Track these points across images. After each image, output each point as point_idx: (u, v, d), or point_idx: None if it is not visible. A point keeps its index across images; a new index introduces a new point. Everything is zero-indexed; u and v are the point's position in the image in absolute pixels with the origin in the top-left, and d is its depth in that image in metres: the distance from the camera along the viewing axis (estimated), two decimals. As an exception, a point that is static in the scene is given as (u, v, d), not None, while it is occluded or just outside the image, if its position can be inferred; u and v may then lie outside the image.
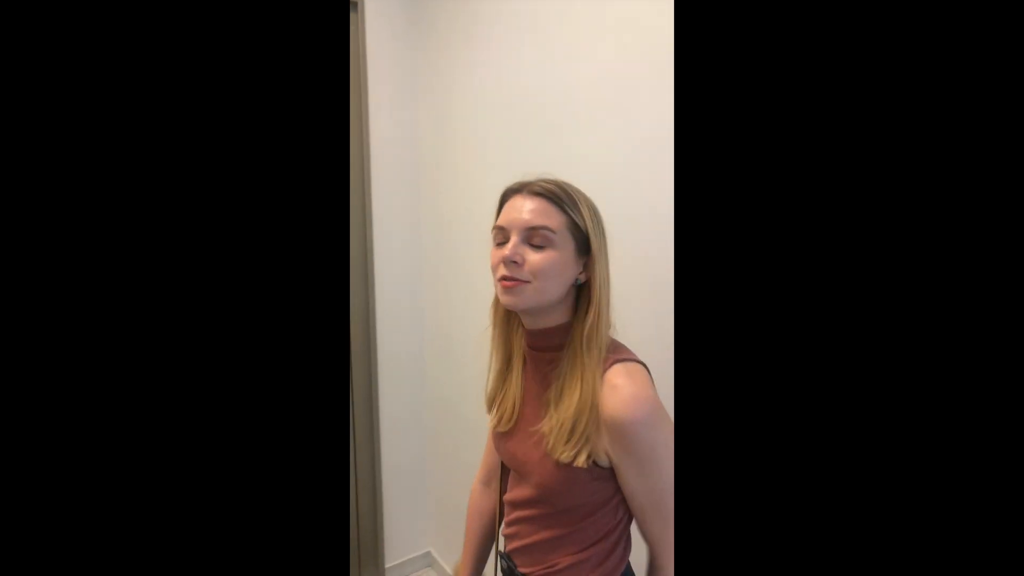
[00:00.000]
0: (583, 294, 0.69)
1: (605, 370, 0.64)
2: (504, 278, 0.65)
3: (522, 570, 0.74)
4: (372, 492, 1.68)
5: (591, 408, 0.63)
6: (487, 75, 1.31)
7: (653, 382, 0.66)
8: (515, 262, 0.65)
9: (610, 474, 0.66)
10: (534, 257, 0.64)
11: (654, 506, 0.65)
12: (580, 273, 0.68)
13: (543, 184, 0.67)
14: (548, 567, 0.71)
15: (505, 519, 0.78)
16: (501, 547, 0.80)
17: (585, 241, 0.67)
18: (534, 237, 0.65)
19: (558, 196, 0.66)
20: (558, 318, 0.69)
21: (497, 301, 0.75)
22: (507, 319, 0.76)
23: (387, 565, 1.74)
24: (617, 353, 0.66)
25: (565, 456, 0.64)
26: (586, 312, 0.67)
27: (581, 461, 0.63)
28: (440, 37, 1.47)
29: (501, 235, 0.68)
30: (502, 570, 0.79)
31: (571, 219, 0.66)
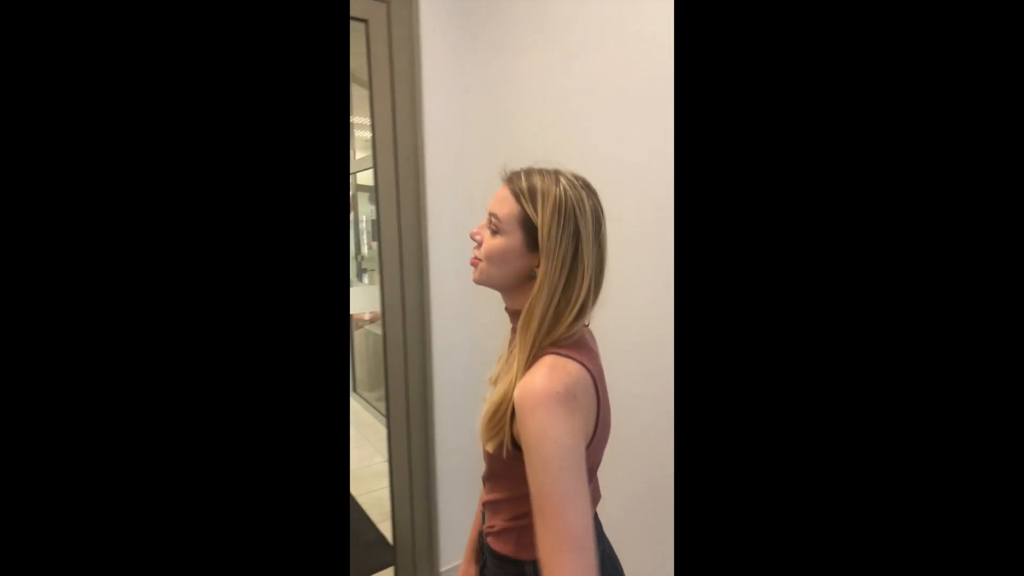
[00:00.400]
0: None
1: (537, 359, 0.66)
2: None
3: (485, 526, 0.80)
4: (426, 494, 1.71)
5: (511, 398, 0.65)
6: (543, 64, 1.36)
7: (589, 385, 0.66)
8: (474, 240, 0.74)
9: None
10: (487, 240, 0.72)
11: (538, 508, 0.60)
12: (537, 266, 0.69)
13: (517, 174, 0.72)
14: (490, 526, 0.77)
15: None
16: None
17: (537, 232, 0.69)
18: (490, 222, 0.72)
19: (519, 188, 0.70)
20: (519, 303, 0.73)
21: None
22: None
23: (442, 568, 1.75)
24: (562, 347, 0.67)
25: (482, 439, 0.69)
26: (530, 301, 0.69)
27: (491, 448, 0.68)
28: (495, 24, 1.51)
29: None
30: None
31: (524, 211, 0.69)
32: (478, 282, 0.74)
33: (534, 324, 0.68)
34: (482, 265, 0.72)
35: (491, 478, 0.76)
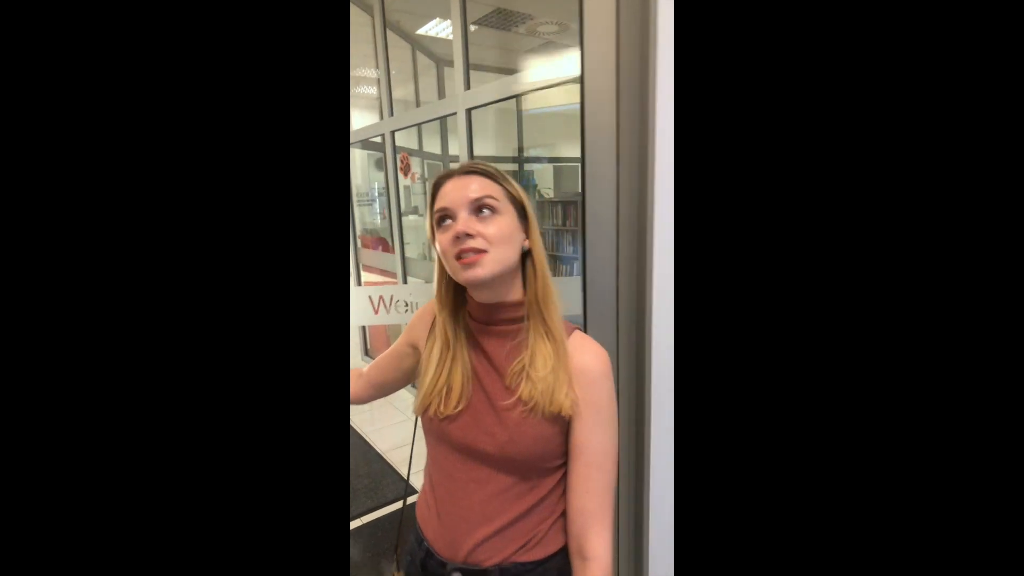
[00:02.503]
0: (528, 261, 0.75)
1: (567, 336, 0.73)
2: (462, 254, 0.69)
3: (494, 561, 0.73)
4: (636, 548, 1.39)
5: (565, 363, 0.71)
6: None
7: None
8: (469, 235, 0.68)
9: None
10: (484, 227, 0.69)
11: (598, 465, 0.71)
12: (524, 240, 0.74)
13: (473, 163, 0.74)
14: (525, 542, 0.73)
15: (459, 516, 0.75)
16: (450, 557, 0.75)
17: (523, 209, 0.74)
18: (480, 208, 0.70)
19: (490, 171, 0.73)
20: (517, 292, 0.75)
21: (442, 292, 0.78)
22: (453, 306, 0.79)
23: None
24: (568, 324, 0.76)
25: (554, 407, 0.69)
26: (534, 277, 0.74)
27: (568, 407, 0.69)
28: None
29: (445, 216, 0.72)
30: None
31: (506, 190, 0.73)
32: (489, 276, 0.70)
33: (552, 291, 0.74)
34: (492, 253, 0.69)
35: (520, 485, 0.73)
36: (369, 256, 3.64)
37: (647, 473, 1.34)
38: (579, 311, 1.11)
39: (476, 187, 0.70)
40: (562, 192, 4.47)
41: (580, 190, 1.23)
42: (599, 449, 0.70)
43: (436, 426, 0.77)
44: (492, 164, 0.75)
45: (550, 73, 1.47)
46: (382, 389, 1.00)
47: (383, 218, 3.88)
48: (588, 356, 0.71)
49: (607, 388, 0.71)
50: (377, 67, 3.26)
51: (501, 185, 0.72)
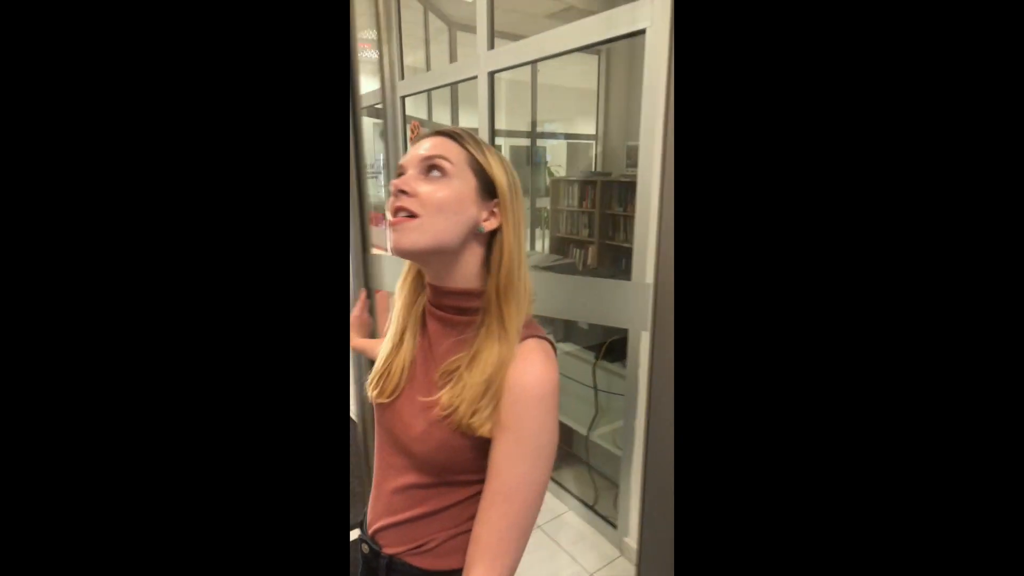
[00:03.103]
0: (495, 246, 0.64)
1: (521, 342, 0.62)
2: (395, 213, 0.61)
3: (388, 551, 0.71)
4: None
5: (501, 375, 0.60)
6: None
7: None
8: (404, 191, 0.61)
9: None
10: (426, 188, 0.61)
11: (507, 496, 0.60)
12: (485, 220, 0.63)
13: (448, 127, 0.65)
14: (418, 545, 0.69)
15: (375, 495, 0.74)
16: (365, 531, 0.75)
17: (490, 183, 0.64)
18: (430, 168, 0.62)
19: (459, 134, 0.64)
20: (471, 279, 0.65)
21: (407, 273, 0.73)
22: (414, 285, 0.73)
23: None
24: (532, 328, 0.64)
25: (474, 421, 0.61)
26: (499, 263, 0.63)
27: (486, 430, 0.61)
28: None
29: (399, 175, 0.64)
30: (363, 556, 0.76)
31: (472, 156, 0.63)
32: (411, 247, 0.60)
33: (523, 284, 0.64)
34: (424, 220, 0.60)
35: (427, 488, 0.67)
36: (378, 234, 3.44)
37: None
38: (617, 323, 0.91)
39: (430, 144, 0.63)
40: (579, 171, 4.23)
41: (595, 168, 1.04)
42: (512, 479, 0.60)
43: (375, 407, 0.75)
44: (471, 131, 0.68)
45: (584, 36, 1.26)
46: None
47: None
48: (525, 373, 0.60)
49: (537, 414, 0.59)
50: (387, 28, 2.99)
51: (464, 148, 0.63)
